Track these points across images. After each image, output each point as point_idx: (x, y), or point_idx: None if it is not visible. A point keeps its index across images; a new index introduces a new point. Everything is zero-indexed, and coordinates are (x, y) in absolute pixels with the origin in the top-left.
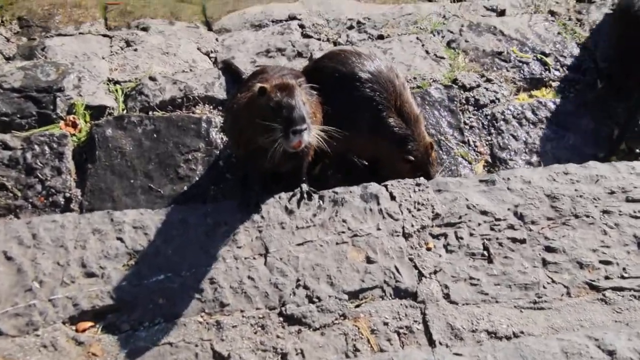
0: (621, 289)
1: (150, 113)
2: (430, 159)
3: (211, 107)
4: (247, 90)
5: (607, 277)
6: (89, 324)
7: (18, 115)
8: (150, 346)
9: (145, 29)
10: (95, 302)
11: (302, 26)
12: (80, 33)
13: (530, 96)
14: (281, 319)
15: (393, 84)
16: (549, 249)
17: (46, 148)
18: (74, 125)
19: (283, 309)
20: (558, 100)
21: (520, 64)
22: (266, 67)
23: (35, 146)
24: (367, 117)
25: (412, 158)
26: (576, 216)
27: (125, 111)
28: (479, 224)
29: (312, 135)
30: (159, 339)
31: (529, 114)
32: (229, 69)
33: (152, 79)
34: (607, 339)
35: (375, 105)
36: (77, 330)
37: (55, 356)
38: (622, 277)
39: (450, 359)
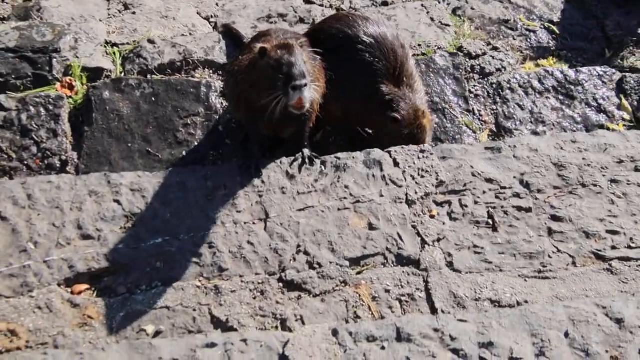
0: (628, 259)
1: (148, 76)
2: (419, 123)
3: (211, 71)
4: (248, 52)
5: (613, 247)
6: (85, 286)
7: (13, 76)
8: (147, 310)
9: None
10: (91, 264)
11: None
12: None
13: (537, 65)
14: (281, 284)
15: (395, 53)
16: (555, 218)
17: (42, 110)
18: (71, 87)
19: (283, 274)
20: (565, 69)
21: (527, 32)
22: (269, 30)
23: (31, 107)
24: (363, 82)
25: (397, 116)
26: (583, 185)
27: (123, 74)
28: (484, 192)
29: (312, 92)
30: (156, 303)
31: (536, 83)
32: (229, 34)
33: (150, 42)
34: (615, 307)
35: (372, 71)
36: (72, 293)
37: (50, 318)
38: (629, 247)
39: (454, 325)
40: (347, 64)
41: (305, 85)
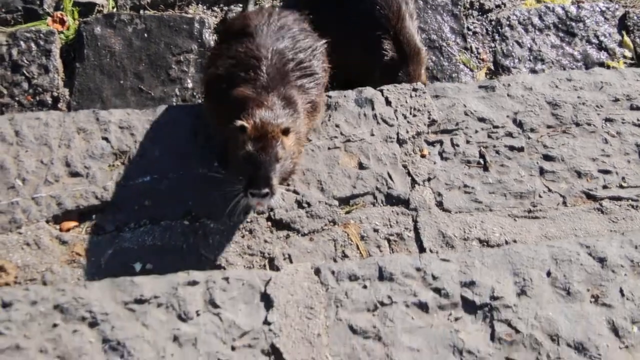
0: (619, 198)
1: (141, 12)
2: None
3: (205, 7)
4: (224, 56)
5: (605, 187)
6: (73, 223)
7: (3, 10)
8: (135, 248)
9: None
10: (79, 201)
11: None
12: None
13: (538, 1)
14: (269, 223)
15: (399, 6)
16: (547, 158)
17: (32, 45)
18: (62, 22)
19: (271, 213)
20: (567, 5)
21: None
22: (253, 13)
23: (21, 42)
24: (361, 35)
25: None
26: (577, 124)
27: (115, 9)
28: (476, 131)
29: (276, 197)
30: (144, 241)
31: (536, 20)
32: None
33: None
34: (598, 246)
35: (373, 22)
36: (61, 230)
37: (39, 254)
38: (621, 187)
39: (437, 264)
40: (348, 13)
41: (266, 195)
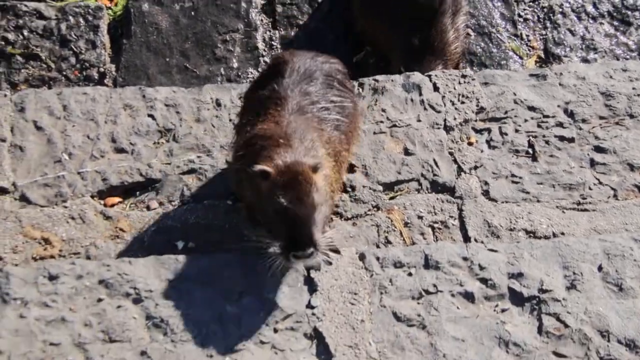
0: None
1: None
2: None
3: None
4: (253, 115)
5: None
6: (117, 199)
7: None
8: (178, 225)
9: None
10: (124, 177)
11: None
12: None
13: None
14: None
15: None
16: (598, 149)
17: (81, 20)
18: None
19: None
20: None
21: None
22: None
23: (70, 17)
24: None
25: None
26: (631, 116)
27: None
28: (526, 120)
29: (321, 255)
30: (187, 219)
31: (590, 8)
32: None
33: None
34: None
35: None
36: (105, 205)
37: (83, 228)
38: None
39: (484, 254)
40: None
41: (311, 254)
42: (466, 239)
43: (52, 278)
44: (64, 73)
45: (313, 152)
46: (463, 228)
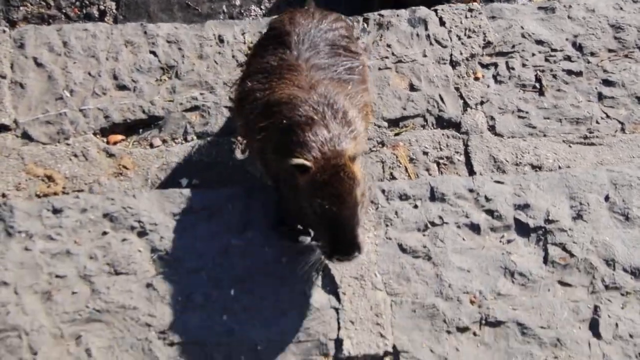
0: None
1: None
2: None
3: None
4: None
5: None
6: (120, 137)
7: None
8: (182, 163)
9: None
10: (126, 115)
11: None
12: None
13: None
14: None
15: None
16: (606, 83)
17: None
18: None
19: None
20: None
21: None
22: (291, 32)
23: None
24: None
25: None
26: None
27: None
28: (533, 54)
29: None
30: (191, 156)
31: None
32: None
33: None
34: None
35: None
36: (108, 142)
37: (86, 166)
38: None
39: (490, 185)
40: None
41: (356, 256)
42: (471, 174)
43: (56, 211)
44: (64, 11)
45: (348, 127)
46: (469, 163)
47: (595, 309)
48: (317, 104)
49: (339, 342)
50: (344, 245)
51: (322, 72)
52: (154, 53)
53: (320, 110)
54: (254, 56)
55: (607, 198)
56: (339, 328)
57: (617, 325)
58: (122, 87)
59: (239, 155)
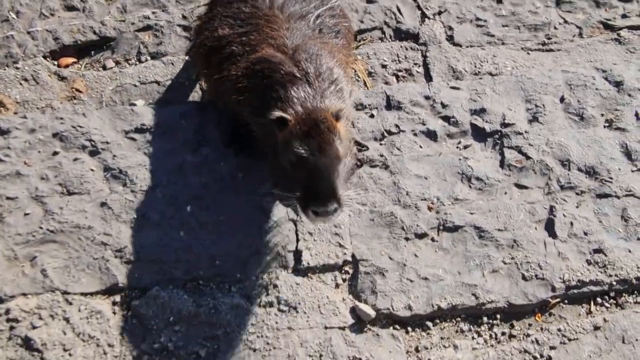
0: (638, 27)
1: None
2: None
3: None
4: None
5: (624, 16)
6: (72, 59)
7: None
8: (137, 84)
9: None
10: (77, 36)
11: None
12: None
13: None
14: None
15: None
16: None
17: None
18: None
19: None
20: None
21: None
22: None
23: None
24: None
25: None
26: None
27: None
28: None
29: (344, 211)
30: (145, 77)
31: None
32: None
33: None
34: (615, 71)
35: None
36: (59, 65)
37: (37, 90)
38: None
39: (446, 92)
40: None
41: (335, 211)
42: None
43: (3, 133)
44: None
45: (330, 79)
46: (427, 75)
47: (551, 209)
48: (300, 62)
49: (298, 254)
50: (322, 195)
51: (301, 22)
52: None
53: (303, 68)
54: (212, 5)
55: (562, 99)
56: (297, 240)
57: (572, 224)
58: (70, 8)
59: (194, 75)
